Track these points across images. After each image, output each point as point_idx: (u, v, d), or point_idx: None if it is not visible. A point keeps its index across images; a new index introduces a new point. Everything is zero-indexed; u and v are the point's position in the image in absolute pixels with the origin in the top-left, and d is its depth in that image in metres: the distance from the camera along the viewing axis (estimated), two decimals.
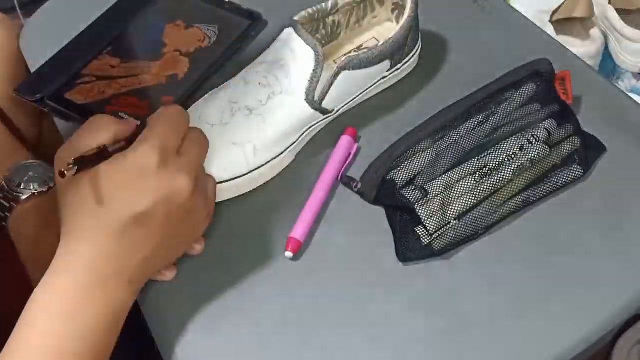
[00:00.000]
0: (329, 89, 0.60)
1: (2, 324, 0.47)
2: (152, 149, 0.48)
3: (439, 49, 0.70)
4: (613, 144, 0.61)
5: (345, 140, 0.63)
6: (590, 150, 0.60)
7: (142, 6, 0.77)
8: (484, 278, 0.55)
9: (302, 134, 0.62)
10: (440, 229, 0.56)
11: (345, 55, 0.66)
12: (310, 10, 0.63)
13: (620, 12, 1.06)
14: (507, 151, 0.58)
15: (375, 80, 0.65)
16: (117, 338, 0.50)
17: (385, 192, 0.59)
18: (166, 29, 0.74)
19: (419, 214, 0.57)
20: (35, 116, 0.78)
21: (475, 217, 0.57)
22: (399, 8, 0.68)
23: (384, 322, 0.54)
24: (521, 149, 0.58)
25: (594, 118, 0.63)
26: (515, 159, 0.58)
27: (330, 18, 0.65)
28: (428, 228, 0.56)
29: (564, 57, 0.68)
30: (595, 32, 1.06)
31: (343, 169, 0.61)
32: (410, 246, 0.56)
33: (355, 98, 0.65)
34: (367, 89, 0.65)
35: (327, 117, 0.63)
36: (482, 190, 0.57)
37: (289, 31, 0.60)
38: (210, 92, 0.63)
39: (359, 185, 0.60)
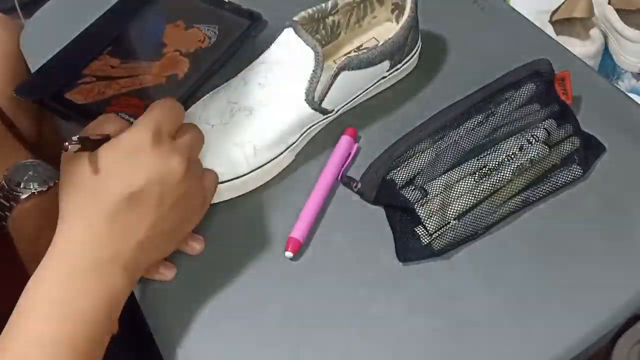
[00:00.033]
0: (328, 89, 0.60)
1: (2, 324, 0.47)
2: (146, 128, 0.49)
3: (439, 49, 0.70)
4: (613, 144, 0.61)
5: (345, 140, 0.63)
6: (590, 150, 0.60)
7: (142, 6, 0.77)
8: (483, 278, 0.55)
9: (302, 134, 0.62)
10: (440, 229, 0.56)
11: (345, 55, 0.66)
12: (310, 10, 0.63)
13: (620, 12, 1.06)
14: (507, 151, 0.58)
15: (375, 80, 0.65)
16: (114, 328, 0.49)
17: (385, 192, 0.59)
18: (166, 29, 0.74)
19: (419, 214, 0.57)
20: (35, 116, 0.78)
21: (475, 217, 0.57)
22: (398, 8, 0.68)
23: (384, 322, 0.54)
24: (521, 149, 0.58)
25: (594, 118, 0.63)
26: (515, 159, 0.58)
27: (330, 18, 0.65)
28: (428, 228, 0.56)
29: (564, 57, 0.67)
30: (595, 32, 1.06)
31: (343, 169, 0.61)
32: (410, 246, 0.56)
33: (355, 98, 0.65)
34: (367, 89, 0.65)
35: (327, 117, 0.63)
36: (482, 190, 0.57)
37: (288, 31, 0.60)
38: (210, 93, 0.64)
39: (359, 185, 0.60)
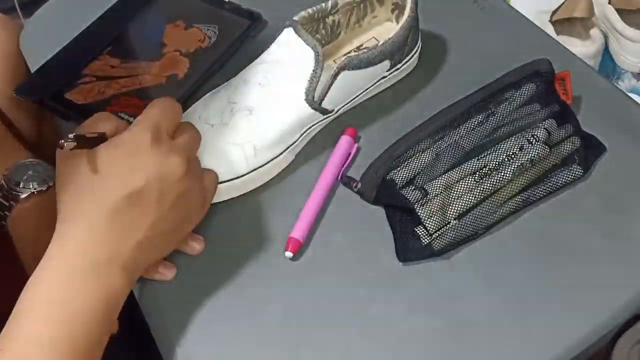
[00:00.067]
0: (328, 89, 0.60)
1: (2, 324, 0.47)
2: (145, 128, 0.49)
3: (439, 49, 0.70)
4: (613, 144, 0.61)
5: (345, 140, 0.63)
6: (590, 150, 0.60)
7: (142, 6, 0.77)
8: (483, 278, 0.55)
9: (302, 134, 0.62)
10: (440, 229, 0.56)
11: (345, 55, 0.66)
12: (310, 10, 0.63)
13: (620, 12, 1.06)
14: (507, 151, 0.58)
15: (375, 80, 0.65)
16: (113, 327, 0.50)
17: (385, 192, 0.59)
18: (166, 29, 0.74)
19: (419, 214, 0.57)
20: (35, 116, 0.78)
21: (475, 217, 0.57)
22: (398, 8, 0.68)
23: (384, 322, 0.54)
24: (521, 149, 0.58)
25: (594, 118, 0.63)
26: (515, 159, 0.58)
27: (330, 18, 0.65)
28: (428, 228, 0.56)
29: (564, 57, 0.67)
30: (595, 32, 1.06)
31: (343, 169, 0.61)
32: (410, 246, 0.56)
33: (355, 98, 0.65)
34: (367, 89, 0.65)
35: (327, 117, 0.63)
36: (482, 190, 0.57)
37: (288, 31, 0.60)
38: (210, 92, 0.64)
39: (359, 185, 0.60)
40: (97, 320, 0.48)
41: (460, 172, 0.58)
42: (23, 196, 0.61)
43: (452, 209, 0.57)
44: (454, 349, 0.52)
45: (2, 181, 0.63)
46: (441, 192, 0.57)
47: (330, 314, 0.55)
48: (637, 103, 0.66)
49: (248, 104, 0.60)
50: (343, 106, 0.64)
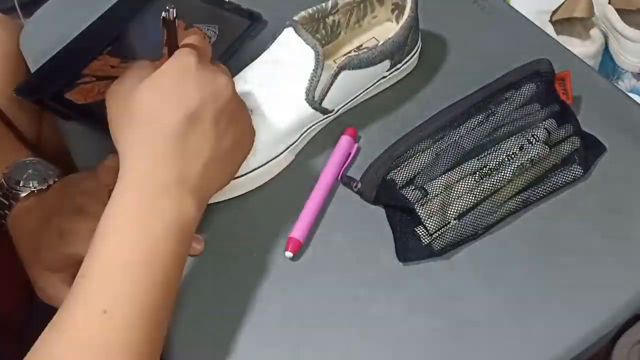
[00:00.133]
0: (329, 88, 0.60)
1: (2, 324, 0.47)
2: (188, 52, 0.51)
3: (439, 49, 0.70)
4: (613, 144, 0.61)
5: (345, 140, 0.63)
6: (590, 150, 0.60)
7: (142, 6, 0.76)
8: (483, 278, 0.55)
9: (302, 134, 0.62)
10: (440, 229, 0.56)
11: (345, 55, 0.66)
12: (310, 10, 0.63)
13: (620, 12, 1.06)
14: (507, 151, 0.58)
15: (375, 80, 0.65)
16: (185, 259, 0.50)
17: (385, 192, 0.59)
18: None
19: (419, 214, 0.57)
20: (35, 116, 0.78)
21: (475, 217, 0.57)
22: (398, 8, 0.68)
23: (384, 322, 0.54)
24: (521, 148, 0.58)
25: (594, 118, 0.63)
26: (515, 158, 0.58)
27: (330, 18, 0.65)
28: (428, 228, 0.56)
29: (564, 57, 0.67)
30: (595, 32, 1.06)
31: (343, 169, 0.61)
32: (410, 246, 0.56)
33: (355, 98, 0.65)
34: (367, 89, 0.65)
35: (327, 117, 0.63)
36: (482, 190, 0.57)
37: (289, 31, 0.60)
38: None
39: (359, 185, 0.60)
40: (172, 245, 0.48)
41: (460, 172, 0.58)
42: (23, 195, 0.61)
43: (452, 209, 0.57)
44: (454, 349, 0.52)
45: (2, 180, 0.63)
46: (441, 192, 0.57)
47: (330, 314, 0.55)
48: (637, 103, 0.66)
49: (248, 103, 0.60)
50: (343, 106, 0.64)
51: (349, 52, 0.68)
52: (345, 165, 0.62)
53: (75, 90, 0.69)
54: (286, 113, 0.60)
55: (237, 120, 0.53)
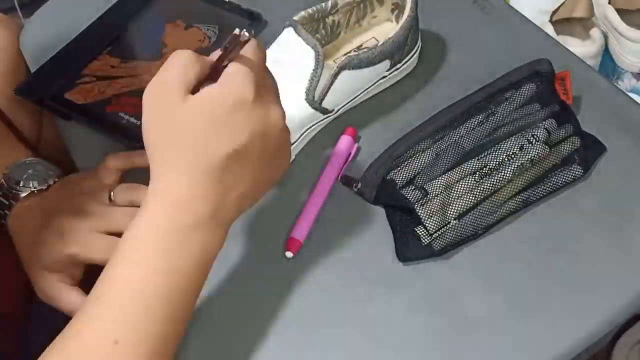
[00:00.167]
0: (329, 88, 0.60)
1: (2, 324, 0.47)
2: (248, 83, 0.46)
3: (439, 49, 0.70)
4: (613, 144, 0.61)
5: (345, 140, 0.63)
6: (590, 150, 0.60)
7: (142, 6, 0.77)
8: (483, 278, 0.55)
9: (302, 134, 0.62)
10: (440, 229, 0.56)
11: (345, 55, 0.66)
12: (310, 10, 0.63)
13: (620, 12, 1.06)
14: (507, 151, 0.58)
15: (375, 80, 0.65)
16: (201, 288, 0.49)
17: (385, 192, 0.59)
18: (166, 29, 0.74)
19: (419, 214, 0.57)
20: (35, 116, 0.78)
21: (475, 217, 0.57)
22: (398, 8, 0.68)
23: (384, 322, 0.54)
24: (521, 148, 0.58)
25: (594, 118, 0.63)
26: (515, 158, 0.58)
27: (330, 18, 0.65)
28: (428, 228, 0.56)
29: (564, 57, 0.67)
30: (595, 32, 1.06)
31: (343, 169, 0.61)
32: (410, 246, 0.56)
33: (355, 98, 0.65)
34: (367, 89, 0.65)
35: (327, 117, 0.63)
36: (482, 190, 0.57)
37: (289, 31, 0.60)
38: None
39: (359, 185, 0.60)
40: (195, 280, 0.47)
41: (460, 172, 0.58)
42: (23, 195, 0.62)
43: (452, 209, 0.57)
44: (454, 349, 0.52)
45: (2, 180, 0.63)
46: (441, 192, 0.57)
47: (330, 314, 0.55)
48: (637, 103, 0.66)
49: None
50: (343, 106, 0.64)
51: (349, 52, 0.68)
52: (345, 165, 0.62)
53: (75, 90, 0.69)
54: (286, 113, 0.60)
55: (280, 153, 0.50)
